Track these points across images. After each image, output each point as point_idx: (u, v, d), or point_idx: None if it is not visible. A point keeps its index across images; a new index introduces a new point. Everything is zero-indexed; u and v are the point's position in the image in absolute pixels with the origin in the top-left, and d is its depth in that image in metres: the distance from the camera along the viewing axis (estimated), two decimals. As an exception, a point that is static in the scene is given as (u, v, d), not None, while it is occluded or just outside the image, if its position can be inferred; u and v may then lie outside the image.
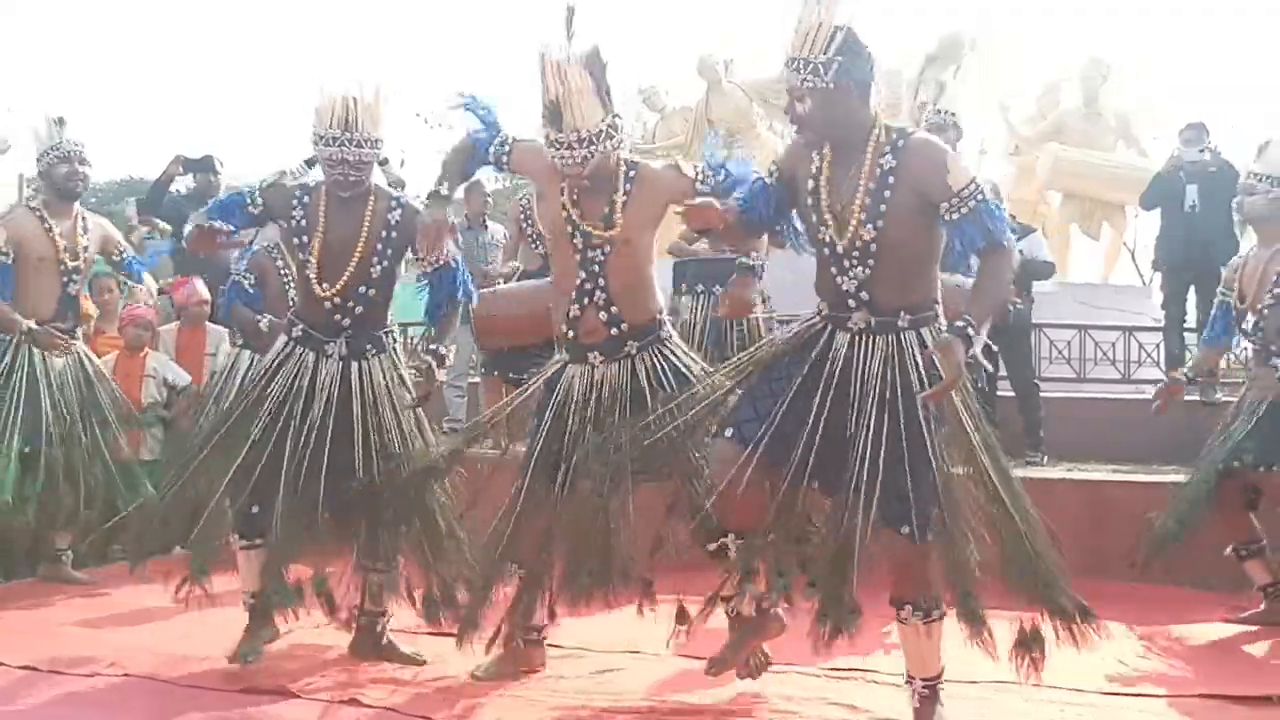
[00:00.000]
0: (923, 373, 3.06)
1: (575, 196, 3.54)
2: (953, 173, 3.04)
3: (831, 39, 3.02)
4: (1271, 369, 4.76)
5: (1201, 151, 7.37)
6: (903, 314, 3.13)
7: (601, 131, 3.43)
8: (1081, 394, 7.81)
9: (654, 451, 3.33)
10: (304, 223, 3.87)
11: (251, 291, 5.29)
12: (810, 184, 3.19)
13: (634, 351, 3.59)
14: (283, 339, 3.98)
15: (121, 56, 46.32)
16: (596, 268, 3.57)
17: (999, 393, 6.74)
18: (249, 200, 3.88)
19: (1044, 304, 7.38)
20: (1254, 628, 4.66)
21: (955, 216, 3.03)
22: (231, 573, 3.93)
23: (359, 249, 3.85)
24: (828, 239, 3.16)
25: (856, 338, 3.15)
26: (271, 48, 45.73)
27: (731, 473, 3.10)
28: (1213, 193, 7.34)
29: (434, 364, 3.86)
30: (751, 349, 3.43)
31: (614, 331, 3.58)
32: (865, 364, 3.11)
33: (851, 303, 3.15)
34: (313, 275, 3.87)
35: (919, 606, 3.12)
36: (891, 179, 3.07)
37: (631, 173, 3.58)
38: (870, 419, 3.05)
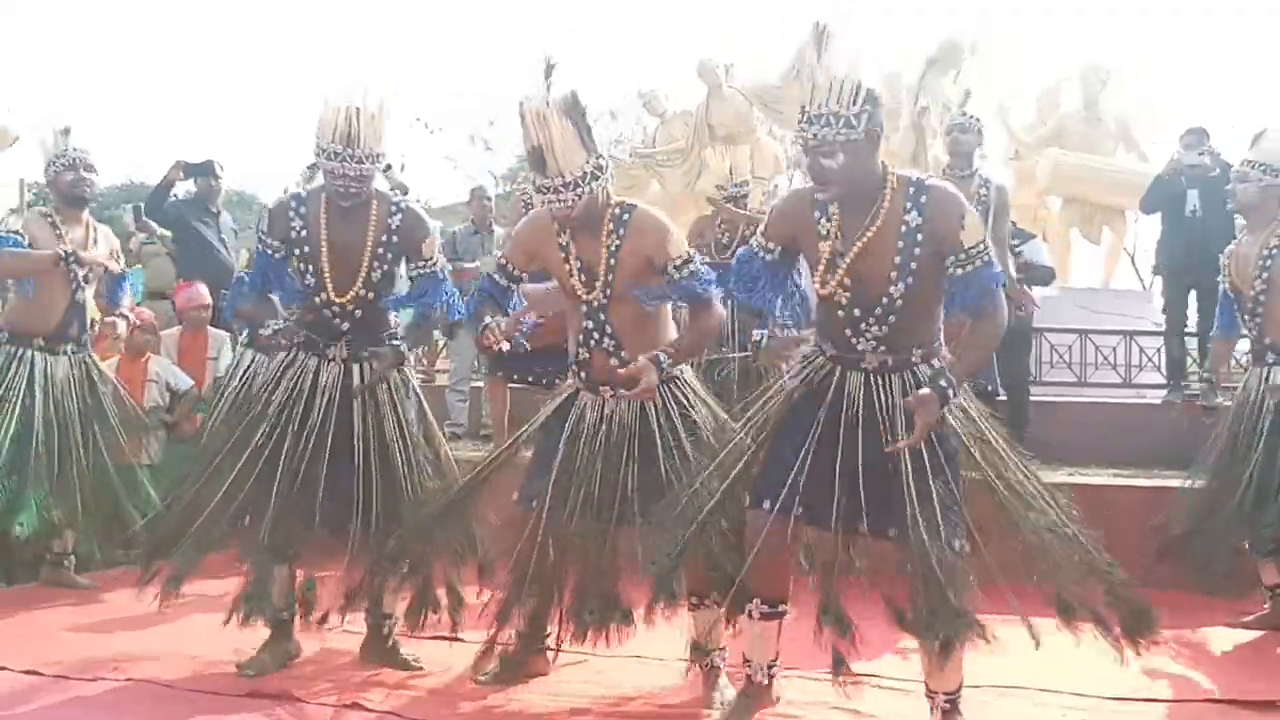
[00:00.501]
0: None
1: (573, 250, 3.56)
2: (968, 228, 3.07)
3: (858, 89, 3.02)
4: (1264, 365, 4.78)
5: (1200, 155, 7.38)
6: (915, 351, 3.19)
7: (586, 174, 3.44)
8: (1082, 398, 7.82)
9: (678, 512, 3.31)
10: (304, 232, 3.89)
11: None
12: (825, 245, 3.16)
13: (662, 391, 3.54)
14: (286, 346, 4.01)
15: (121, 60, 46.35)
16: (601, 315, 3.57)
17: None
18: (270, 250, 3.93)
19: (1044, 308, 7.38)
20: (1260, 632, 4.66)
21: (960, 272, 3.07)
22: (229, 576, 3.93)
23: (364, 255, 3.87)
24: (844, 300, 3.15)
25: (871, 376, 3.19)
26: (271, 50, 45.75)
27: (774, 543, 3.14)
28: (1214, 197, 7.32)
29: (389, 355, 3.88)
30: (762, 401, 3.37)
31: (612, 375, 3.53)
32: (887, 398, 3.15)
33: (869, 354, 3.18)
34: (313, 282, 3.90)
35: None
36: (920, 235, 3.08)
37: (625, 216, 3.56)
38: (908, 451, 3.06)
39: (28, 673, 3.82)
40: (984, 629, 3.06)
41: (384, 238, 3.90)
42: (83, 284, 5.22)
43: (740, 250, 3.46)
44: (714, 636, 3.60)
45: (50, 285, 5.12)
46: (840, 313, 3.18)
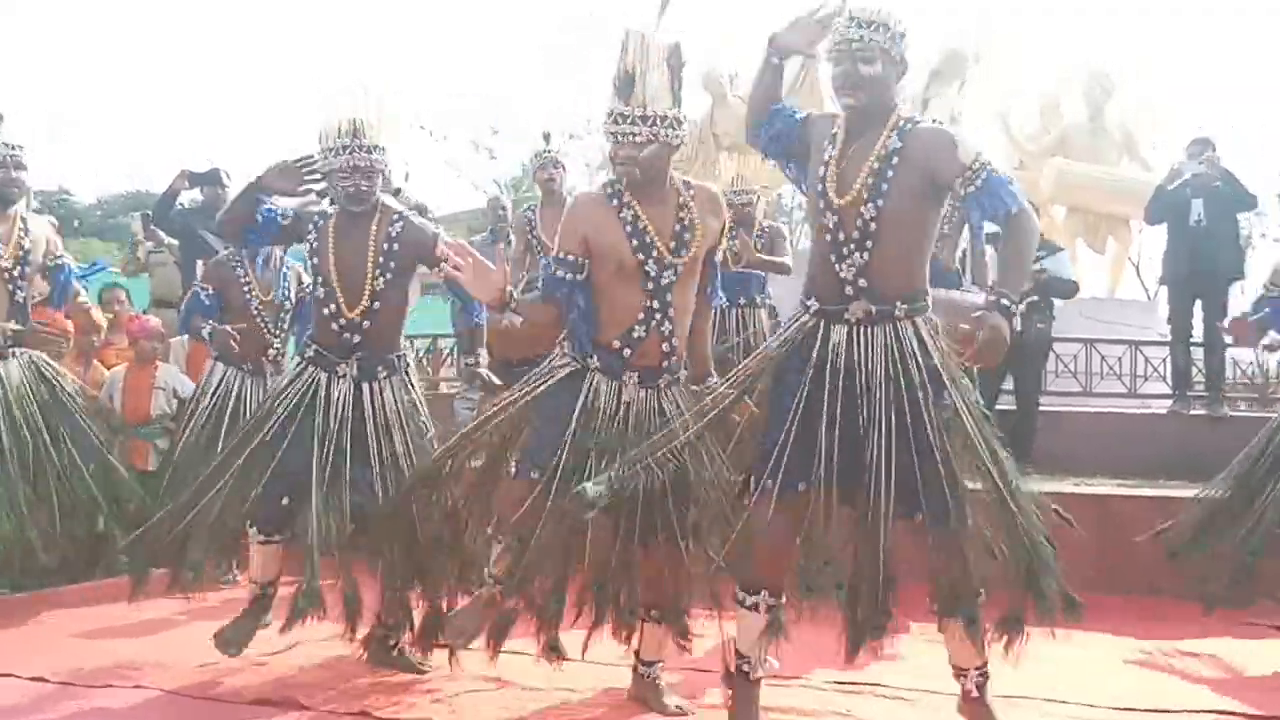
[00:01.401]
0: (921, 362, 3.09)
1: (642, 219, 3.40)
2: (962, 149, 3.11)
3: (899, 20, 3.13)
4: None
5: (1200, 163, 7.40)
6: (899, 303, 3.15)
7: (668, 118, 3.36)
8: (1087, 408, 7.82)
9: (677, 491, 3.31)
10: (316, 245, 3.95)
11: (208, 302, 5.34)
12: (825, 154, 3.21)
13: (664, 384, 3.49)
14: (296, 360, 4.05)
15: (126, 69, 46.51)
16: (666, 294, 3.44)
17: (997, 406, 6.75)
18: (281, 216, 3.97)
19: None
20: (1267, 640, 4.65)
21: (972, 189, 3.08)
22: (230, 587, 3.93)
23: (368, 266, 3.90)
24: (828, 218, 3.17)
25: (854, 330, 3.15)
26: (275, 57, 45.91)
27: (778, 530, 3.12)
28: (1218, 207, 7.36)
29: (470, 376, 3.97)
30: (747, 369, 3.32)
31: (666, 362, 3.48)
32: (867, 356, 3.12)
33: (849, 291, 3.15)
34: (322, 296, 3.95)
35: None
36: (895, 159, 3.12)
37: (691, 191, 3.49)
38: (879, 414, 3.06)
39: (35, 680, 3.83)
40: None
41: (385, 246, 3.92)
42: (20, 285, 4.96)
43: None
44: (661, 650, 3.60)
45: None
46: (827, 236, 3.18)
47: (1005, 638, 3.13)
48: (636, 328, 3.42)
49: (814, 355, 3.16)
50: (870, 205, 3.10)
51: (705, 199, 3.51)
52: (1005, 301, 2.98)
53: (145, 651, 4.20)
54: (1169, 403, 7.63)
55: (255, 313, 5.39)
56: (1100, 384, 8.15)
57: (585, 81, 39.37)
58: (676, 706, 3.55)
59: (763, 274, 6.43)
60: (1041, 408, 7.13)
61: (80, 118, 36.06)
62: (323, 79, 36.40)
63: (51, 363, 5.12)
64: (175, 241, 7.91)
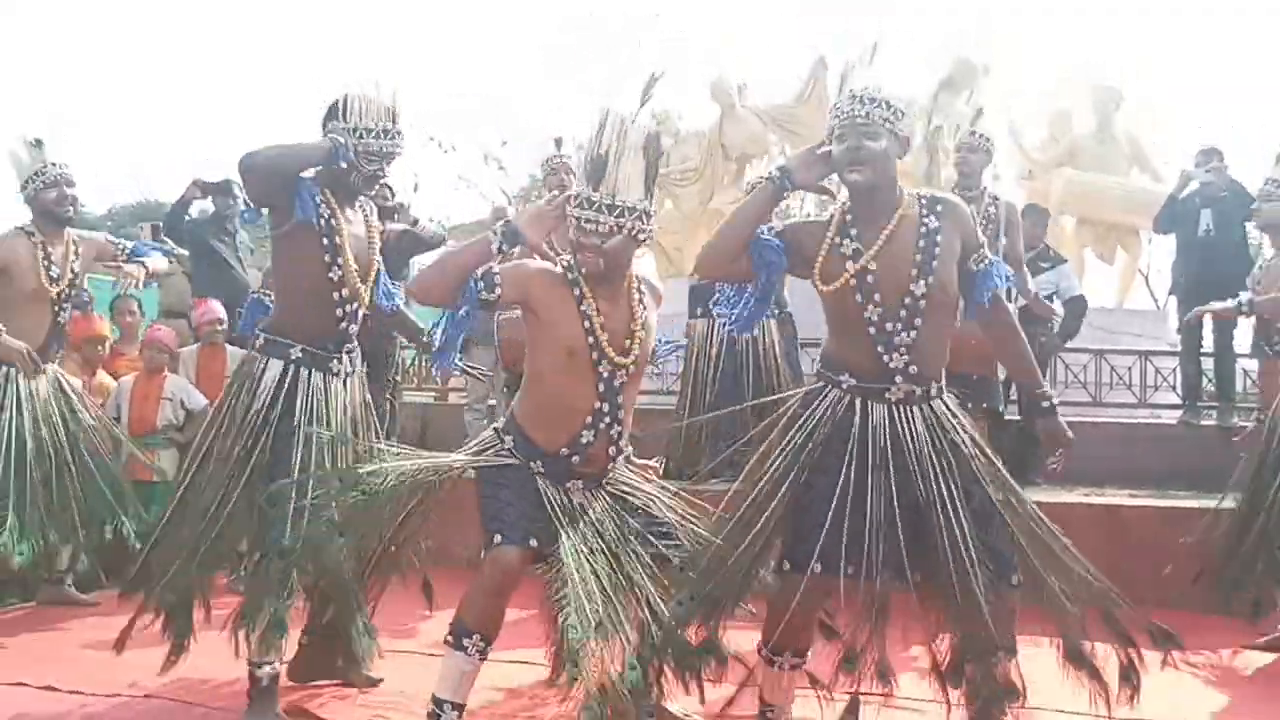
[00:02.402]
0: (964, 436, 3.17)
1: (596, 313, 3.24)
2: (976, 227, 3.25)
3: (897, 98, 3.16)
4: None
5: (1208, 171, 7.40)
6: (934, 383, 3.22)
7: (636, 210, 3.19)
8: (1097, 418, 7.80)
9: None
10: (333, 221, 3.65)
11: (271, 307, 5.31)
12: (845, 249, 3.17)
13: (608, 483, 3.36)
14: (278, 365, 3.65)
15: (126, 69, 46.72)
16: (617, 395, 3.28)
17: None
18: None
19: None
20: (1276, 654, 4.63)
21: (978, 267, 3.21)
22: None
23: (374, 252, 3.80)
24: (870, 306, 3.14)
25: (893, 408, 3.17)
26: (275, 61, 46.10)
27: (816, 603, 3.16)
28: (1227, 217, 7.36)
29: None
30: (773, 449, 3.24)
31: (612, 465, 3.35)
32: (911, 434, 3.14)
33: (894, 370, 3.16)
34: (334, 281, 3.67)
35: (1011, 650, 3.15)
36: (939, 238, 3.16)
37: (643, 286, 3.39)
38: (941, 490, 3.08)
39: (45, 689, 3.84)
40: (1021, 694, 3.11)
41: (381, 233, 3.88)
42: (64, 308, 5.10)
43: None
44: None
45: (34, 310, 4.98)
46: (870, 328, 3.14)
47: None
48: (585, 433, 3.23)
49: (854, 433, 3.15)
50: (920, 283, 3.12)
51: (649, 292, 3.42)
52: (1046, 403, 3.34)
53: (155, 662, 4.19)
54: (1179, 413, 7.62)
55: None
56: (1110, 394, 8.13)
57: (585, 81, 39.71)
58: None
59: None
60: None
61: (80, 118, 36.21)
62: (322, 80, 36.64)
63: (68, 378, 5.20)
64: (185, 252, 7.94)
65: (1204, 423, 7.40)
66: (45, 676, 3.95)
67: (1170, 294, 8.57)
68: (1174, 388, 7.98)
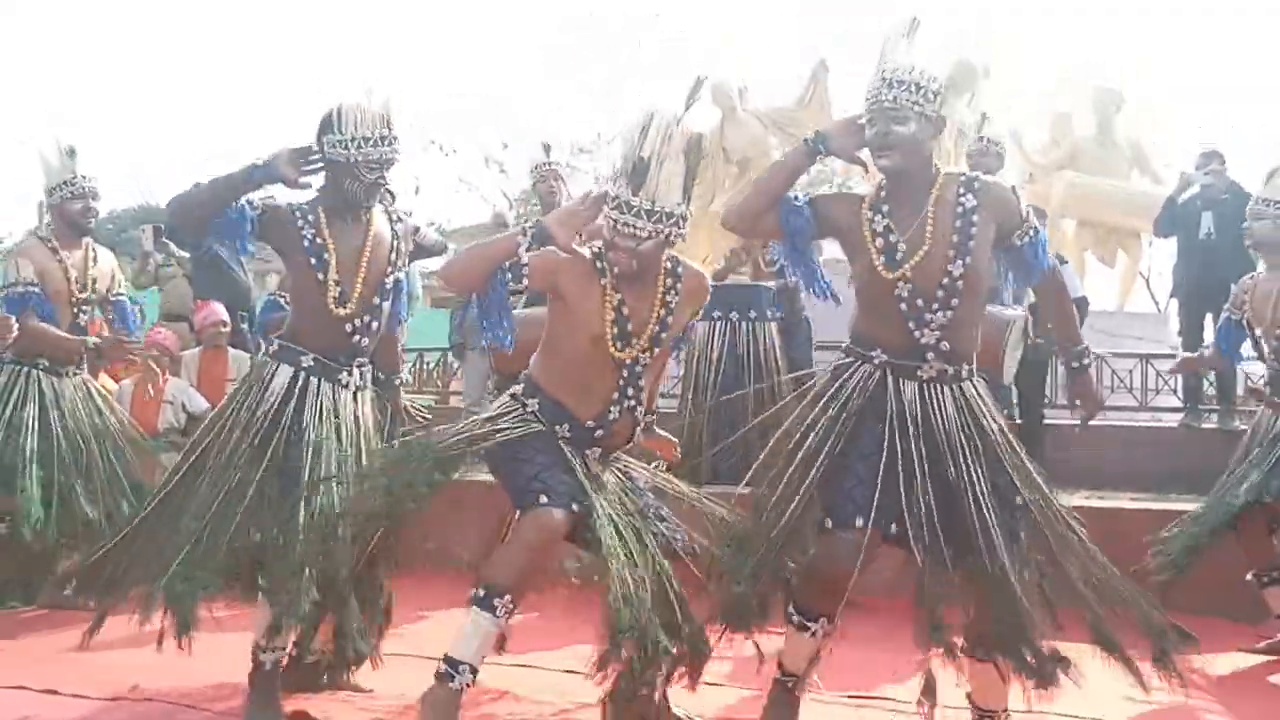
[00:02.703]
0: (994, 423, 3.19)
1: (620, 301, 3.27)
2: (1020, 203, 3.28)
3: (932, 78, 3.16)
4: None
5: (1206, 174, 7.41)
6: (964, 364, 3.22)
7: (674, 215, 3.20)
8: (1098, 421, 7.79)
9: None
10: (315, 239, 3.64)
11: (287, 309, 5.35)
12: (876, 223, 3.19)
13: (614, 459, 3.42)
14: (287, 371, 3.65)
15: (125, 69, 46.73)
16: (638, 380, 3.34)
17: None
18: (253, 208, 3.60)
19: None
20: (1274, 658, 4.63)
21: (1026, 240, 3.26)
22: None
23: (383, 263, 3.75)
24: (905, 292, 3.15)
25: (924, 386, 3.18)
26: (273, 61, 46.14)
27: (855, 561, 3.05)
28: (1228, 220, 7.35)
29: None
30: (798, 421, 3.25)
31: (630, 441, 3.43)
32: (941, 414, 3.15)
33: (927, 349, 3.17)
34: (336, 294, 3.65)
35: None
36: (975, 216, 3.17)
37: (679, 269, 3.39)
38: (971, 473, 3.10)
39: (47, 692, 3.84)
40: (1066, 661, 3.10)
41: (394, 243, 3.82)
42: (84, 310, 5.23)
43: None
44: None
45: (55, 311, 5.10)
46: (902, 305, 3.16)
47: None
48: (612, 409, 3.31)
49: (889, 404, 3.17)
50: (958, 263, 3.14)
51: (692, 288, 3.41)
52: (1085, 360, 3.43)
53: (157, 665, 4.19)
54: (1180, 416, 7.62)
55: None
56: (1111, 397, 8.13)
57: (585, 81, 39.74)
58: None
59: (773, 287, 6.44)
60: (1051, 421, 7.12)
61: (80, 118, 36.27)
62: (322, 80, 36.67)
63: (98, 386, 5.36)
64: (186, 254, 7.96)
65: (1205, 426, 7.40)
66: (46, 679, 3.94)
67: (1171, 297, 8.57)
68: (1175, 391, 7.98)
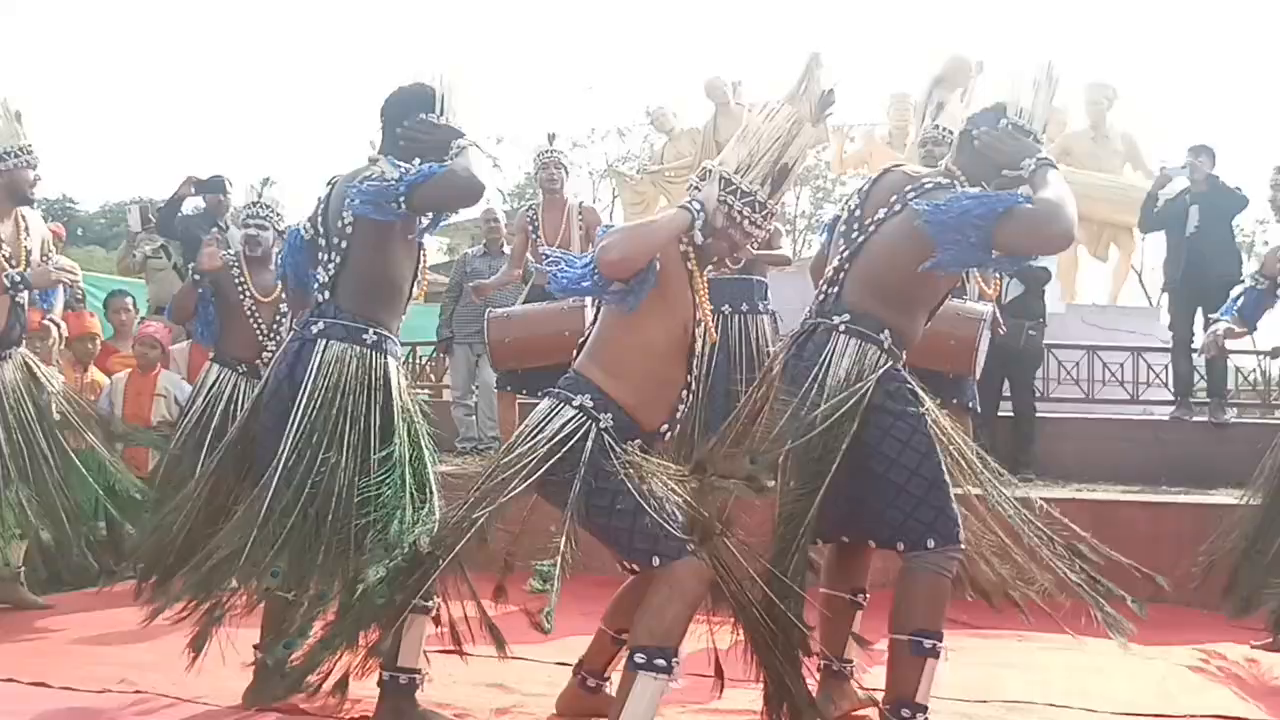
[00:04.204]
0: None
1: (702, 298, 3.23)
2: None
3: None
4: None
5: (1183, 168, 7.45)
6: None
7: (773, 214, 3.32)
8: (1090, 414, 7.83)
9: None
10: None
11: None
12: None
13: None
14: (331, 344, 3.47)
15: (126, 69, 46.63)
16: (694, 371, 3.26)
17: (1000, 413, 6.76)
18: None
19: (1052, 325, 7.42)
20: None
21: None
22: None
23: None
24: None
25: None
26: (278, 69, 46.05)
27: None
28: (1214, 213, 7.39)
29: None
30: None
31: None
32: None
33: None
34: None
35: None
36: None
37: None
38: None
39: (36, 685, 3.83)
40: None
41: None
42: (18, 289, 4.85)
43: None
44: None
45: None
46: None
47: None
48: (680, 406, 3.21)
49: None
50: None
51: None
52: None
53: (145, 657, 4.20)
54: (1171, 409, 7.64)
55: (249, 314, 5.44)
56: (1103, 390, 8.16)
57: (579, 74, 39.69)
58: None
59: (765, 280, 6.43)
60: (1044, 414, 7.14)
61: (79, 119, 36.24)
62: (314, 77, 36.56)
63: (39, 364, 5.01)
64: (178, 243, 7.93)
65: (1196, 419, 7.41)
66: (36, 672, 3.93)
67: (1163, 291, 8.61)
68: (1166, 384, 8.01)
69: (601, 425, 3.05)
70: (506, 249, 7.86)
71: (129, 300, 7.19)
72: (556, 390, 3.17)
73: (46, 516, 4.70)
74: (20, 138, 4.81)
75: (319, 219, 3.62)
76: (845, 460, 3.06)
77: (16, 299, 4.85)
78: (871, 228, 3.26)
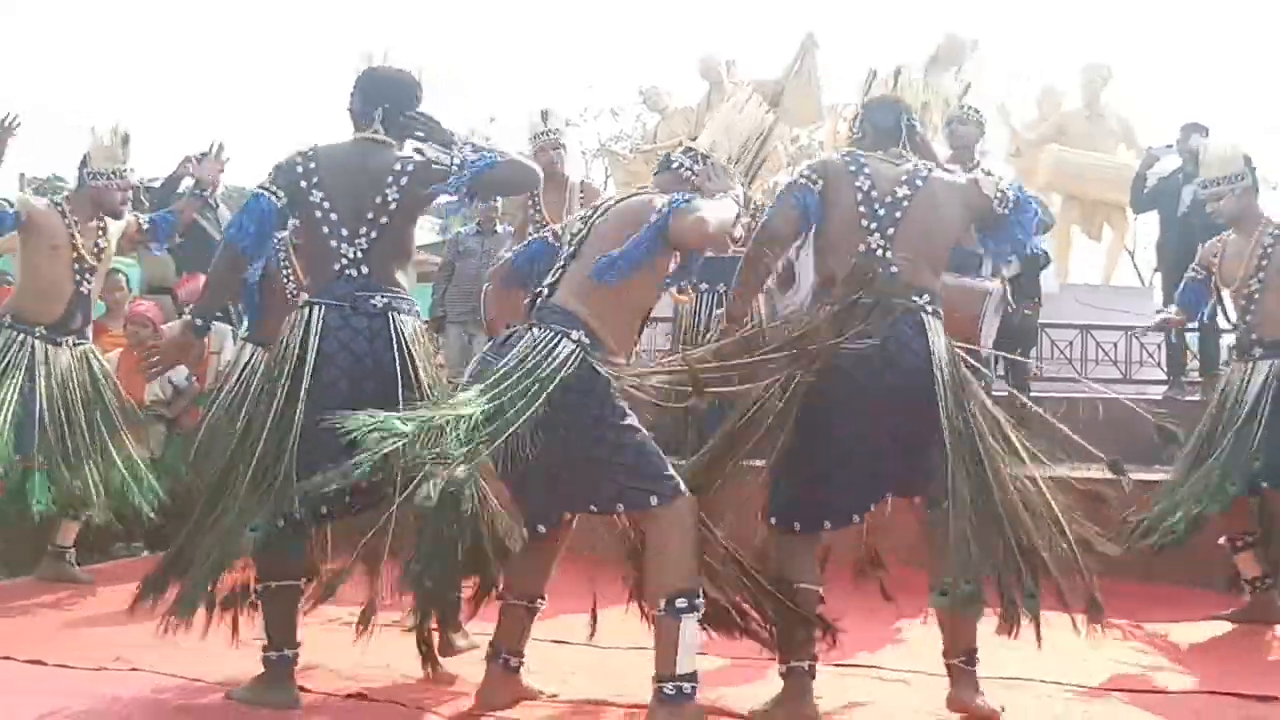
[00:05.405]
0: None
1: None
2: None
3: None
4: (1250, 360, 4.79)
5: (1169, 147, 7.47)
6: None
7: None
8: (1082, 394, 7.83)
9: None
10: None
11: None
12: None
13: None
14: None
15: (125, 69, 46.28)
16: None
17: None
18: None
19: (1046, 304, 7.41)
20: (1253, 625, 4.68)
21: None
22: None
23: None
24: None
25: None
26: (270, 54, 45.74)
27: None
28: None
29: None
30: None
31: None
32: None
33: None
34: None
35: None
36: None
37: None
38: None
39: (32, 662, 3.83)
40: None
41: None
42: (88, 276, 5.19)
43: None
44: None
45: (54, 274, 5.09)
46: None
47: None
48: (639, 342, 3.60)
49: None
50: None
51: None
52: None
53: (139, 636, 4.18)
54: (1164, 388, 7.66)
55: (291, 296, 5.51)
56: (1095, 369, 8.17)
57: (572, 56, 39.55)
58: None
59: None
60: (1036, 393, 7.14)
61: (80, 107, 36.06)
62: (310, 66, 36.43)
63: (101, 359, 5.35)
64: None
65: (1188, 398, 7.43)
66: (31, 650, 3.93)
67: (1156, 271, 8.62)
68: (1159, 363, 8.02)
69: (595, 357, 3.11)
70: (499, 228, 7.82)
71: (122, 279, 7.15)
72: (548, 323, 3.13)
73: (76, 490, 4.89)
74: (118, 160, 5.19)
75: (313, 191, 3.49)
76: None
77: (81, 289, 5.17)
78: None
